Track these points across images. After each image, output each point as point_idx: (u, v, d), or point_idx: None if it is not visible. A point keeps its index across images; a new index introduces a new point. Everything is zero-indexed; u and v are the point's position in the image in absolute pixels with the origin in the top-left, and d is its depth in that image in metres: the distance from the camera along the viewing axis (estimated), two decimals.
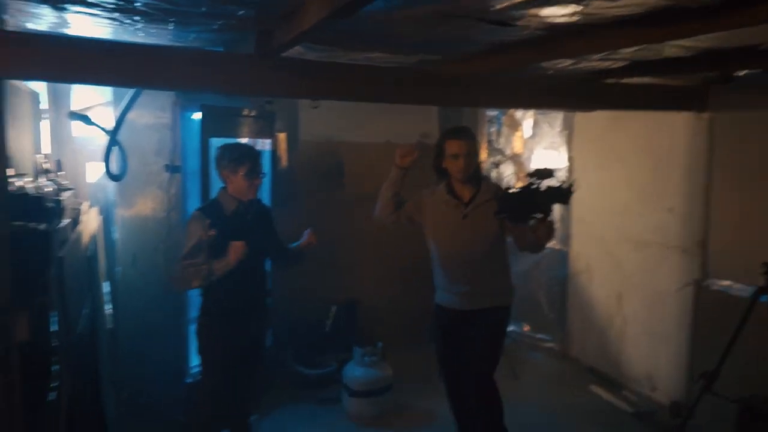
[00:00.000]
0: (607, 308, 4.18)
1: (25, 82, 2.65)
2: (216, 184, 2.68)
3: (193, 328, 3.37)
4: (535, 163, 4.89)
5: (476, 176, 2.67)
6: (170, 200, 3.06)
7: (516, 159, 5.15)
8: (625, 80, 2.98)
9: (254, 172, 2.57)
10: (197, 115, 3.08)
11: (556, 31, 1.90)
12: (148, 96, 2.93)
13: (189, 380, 3.52)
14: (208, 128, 2.98)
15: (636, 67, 2.58)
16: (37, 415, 2.07)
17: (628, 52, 2.27)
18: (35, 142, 2.99)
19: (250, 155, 2.58)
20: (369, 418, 3.63)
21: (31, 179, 2.51)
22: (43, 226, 2.17)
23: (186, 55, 1.89)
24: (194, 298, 3.85)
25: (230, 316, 2.63)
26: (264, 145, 3.72)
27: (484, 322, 2.64)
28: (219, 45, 2.49)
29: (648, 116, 3.67)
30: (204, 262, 2.48)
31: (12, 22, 2.03)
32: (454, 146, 2.59)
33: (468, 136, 2.63)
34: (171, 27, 1.89)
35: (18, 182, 2.20)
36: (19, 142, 2.38)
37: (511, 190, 2.41)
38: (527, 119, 5.00)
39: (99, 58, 1.76)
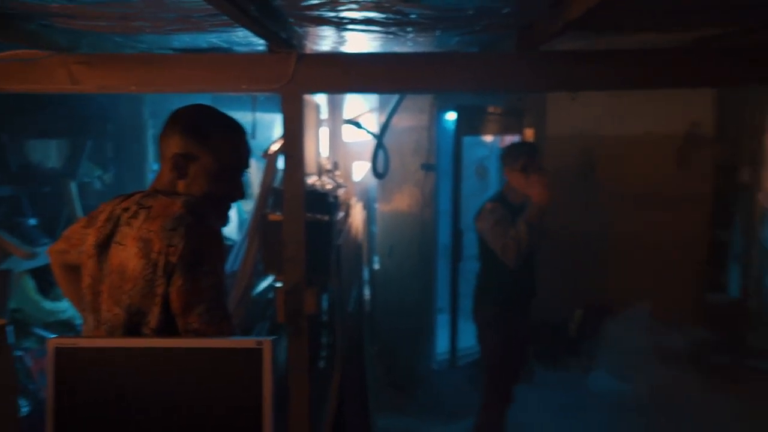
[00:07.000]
0: None
1: (312, 96, 3.12)
2: (466, 182, 2.78)
3: (440, 318, 3.57)
4: None
5: None
6: (424, 197, 3.27)
7: None
8: None
9: (532, 167, 2.68)
10: (451, 116, 3.22)
11: None
12: (408, 100, 3.17)
13: (435, 366, 3.72)
14: (461, 127, 3.09)
15: None
16: (311, 376, 2.44)
17: None
18: (317, 146, 3.52)
19: (528, 151, 2.73)
20: None
21: (316, 178, 2.96)
22: (326, 218, 2.55)
23: (452, 58, 2.00)
24: (442, 289, 4.08)
25: (501, 305, 2.76)
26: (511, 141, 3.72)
27: None
28: (475, 46, 2.57)
29: None
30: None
31: (308, 47, 2.42)
32: None
33: None
34: (438, 33, 2.01)
35: (308, 180, 2.61)
36: (307, 147, 2.83)
37: None
38: None
39: (378, 69, 1.96)
